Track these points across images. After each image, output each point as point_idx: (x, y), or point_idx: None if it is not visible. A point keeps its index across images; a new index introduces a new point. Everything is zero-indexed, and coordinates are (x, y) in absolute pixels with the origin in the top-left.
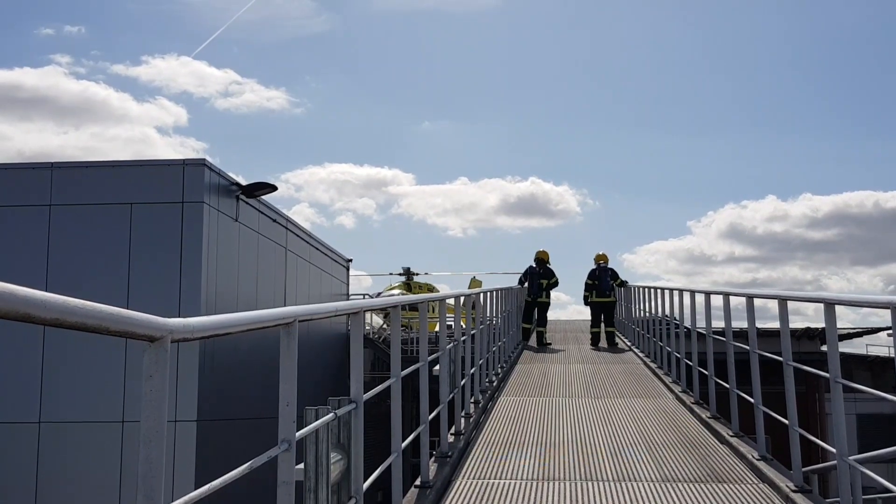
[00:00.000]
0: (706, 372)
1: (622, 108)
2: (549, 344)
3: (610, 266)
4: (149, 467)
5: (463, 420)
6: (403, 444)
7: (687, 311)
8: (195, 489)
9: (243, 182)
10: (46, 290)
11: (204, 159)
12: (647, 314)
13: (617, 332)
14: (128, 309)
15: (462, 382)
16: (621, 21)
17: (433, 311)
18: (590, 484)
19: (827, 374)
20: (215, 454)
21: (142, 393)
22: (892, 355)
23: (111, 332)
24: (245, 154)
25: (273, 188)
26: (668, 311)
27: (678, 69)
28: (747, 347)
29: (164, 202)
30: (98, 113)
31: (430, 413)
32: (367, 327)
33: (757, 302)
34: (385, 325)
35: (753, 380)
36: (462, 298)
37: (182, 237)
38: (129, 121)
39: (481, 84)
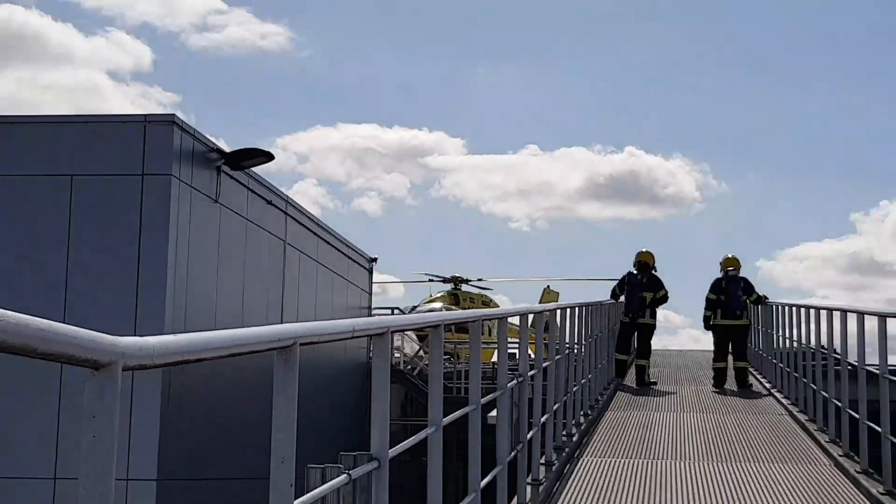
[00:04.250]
0: (878, 428)
1: (757, 51)
2: (654, 383)
3: (742, 275)
4: None
5: (529, 489)
6: None
7: (852, 340)
8: None
9: (227, 148)
10: None
11: (173, 115)
12: (795, 344)
13: (751, 369)
14: (66, 321)
15: (529, 435)
16: None
17: (489, 334)
18: None
19: None
20: None
21: (81, 439)
22: None
23: (40, 355)
24: (230, 110)
25: (268, 157)
26: (824, 341)
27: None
28: None
29: (118, 174)
30: (28, 50)
31: (482, 478)
32: (397, 355)
33: None
34: (422, 353)
35: None
36: (531, 316)
37: (141, 222)
38: (71, 62)
39: (559, 16)
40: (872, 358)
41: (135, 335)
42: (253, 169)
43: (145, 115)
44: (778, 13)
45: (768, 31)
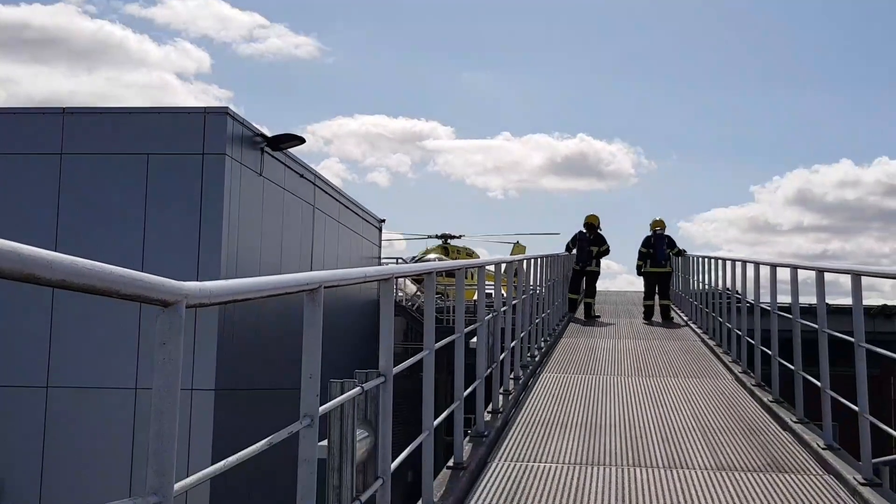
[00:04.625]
0: (769, 351)
1: (682, 60)
2: (598, 317)
3: (666, 233)
4: (161, 441)
5: (501, 397)
6: (436, 422)
7: (750, 284)
8: (212, 464)
9: (268, 133)
10: (56, 247)
11: (227, 108)
12: (706, 287)
13: (672, 306)
14: (143, 270)
15: (501, 357)
16: None
17: (471, 279)
18: (637, 470)
19: None
20: (233, 427)
21: (155, 360)
22: None
23: (122, 296)
24: (271, 104)
25: (300, 140)
26: (728, 284)
27: (748, 15)
28: (816, 326)
29: (183, 153)
30: (113, 56)
31: (465, 389)
32: (400, 294)
33: (827, 276)
34: (419, 293)
35: (821, 361)
36: (503, 265)
37: (202, 192)
38: (147, 65)
39: (526, 32)
40: (765, 297)
41: (196, 280)
42: (289, 150)
43: (205, 108)
44: (700, 28)
45: (689, 42)
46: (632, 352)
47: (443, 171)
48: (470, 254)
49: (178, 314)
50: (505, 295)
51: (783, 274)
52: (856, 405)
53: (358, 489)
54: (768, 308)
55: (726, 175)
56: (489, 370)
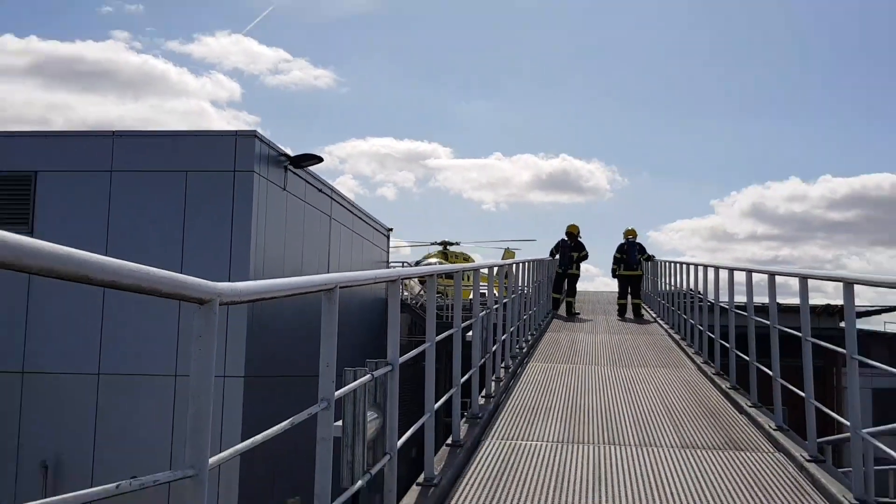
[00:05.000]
0: (727, 344)
1: (653, 91)
2: (578, 314)
3: (637, 241)
4: (197, 421)
5: (493, 384)
6: (437, 405)
7: (710, 286)
8: (241, 441)
9: (291, 153)
10: (107, 252)
11: (255, 131)
12: (672, 288)
13: (643, 305)
14: (181, 272)
15: (493, 348)
16: (656, 12)
17: (467, 280)
18: (612, 448)
19: (844, 350)
20: (260, 410)
21: (191, 350)
22: None
23: (163, 295)
24: (293, 128)
25: (319, 159)
26: (692, 286)
27: (711, 56)
28: (768, 322)
29: (217, 170)
30: (156, 86)
31: (462, 376)
32: (405, 293)
33: (778, 279)
34: (422, 292)
35: (773, 353)
36: (496, 269)
37: (233, 204)
38: (186, 94)
39: (516, 67)
40: (724, 297)
41: (228, 281)
42: (309, 168)
43: (236, 131)
44: (668, 64)
45: (658, 75)
46: (607, 345)
47: (443, 186)
48: (466, 258)
49: (213, 311)
50: (497, 294)
51: (739, 277)
52: (802, 392)
53: (369, 464)
54: (726, 307)
55: (689, 190)
56: (483, 360)
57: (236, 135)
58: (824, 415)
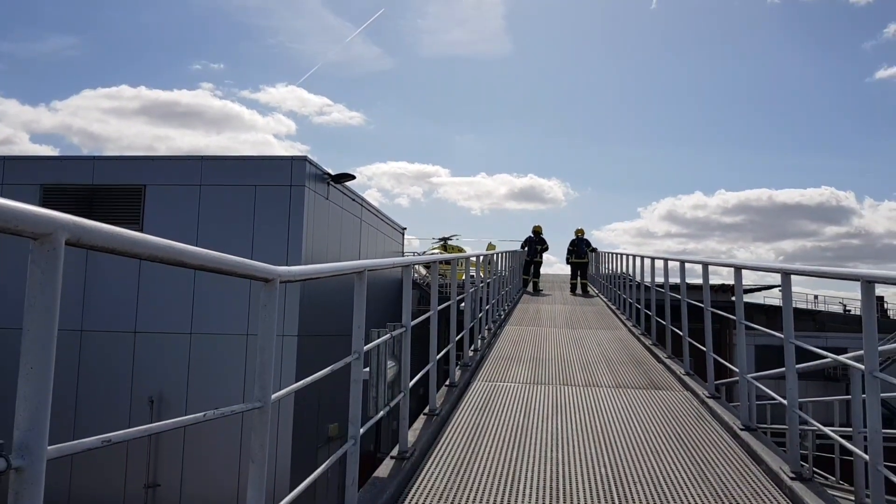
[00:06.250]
0: (650, 313)
1: (597, 127)
2: (542, 291)
3: (585, 237)
4: (263, 367)
5: (479, 341)
6: (438, 356)
7: (638, 270)
8: (295, 382)
9: (332, 172)
10: (197, 243)
11: (306, 157)
12: (610, 272)
13: (589, 284)
14: (252, 259)
15: (479, 315)
16: (601, 65)
17: (461, 266)
18: (566, 388)
19: (734, 317)
20: (309, 359)
21: (259, 317)
22: (780, 304)
23: (239, 275)
24: (334, 154)
25: (352, 177)
26: (624, 270)
27: (638, 100)
28: (679, 297)
29: (278, 185)
30: (233, 123)
31: (457, 335)
32: (415, 275)
33: (687, 265)
34: (427, 274)
35: (683, 319)
36: (481, 257)
37: (290, 211)
38: (255, 129)
39: (497, 108)
40: (647, 278)
41: (286, 266)
42: (345, 183)
43: (292, 157)
44: (609, 99)
45: (602, 110)
46: (562, 313)
47: (443, 197)
48: (461, 250)
49: (275, 287)
50: (482, 276)
51: (659, 264)
52: (704, 347)
53: (388, 400)
54: (649, 285)
55: (623, 200)
56: (472, 324)
57: (292, 160)
58: (720, 364)
